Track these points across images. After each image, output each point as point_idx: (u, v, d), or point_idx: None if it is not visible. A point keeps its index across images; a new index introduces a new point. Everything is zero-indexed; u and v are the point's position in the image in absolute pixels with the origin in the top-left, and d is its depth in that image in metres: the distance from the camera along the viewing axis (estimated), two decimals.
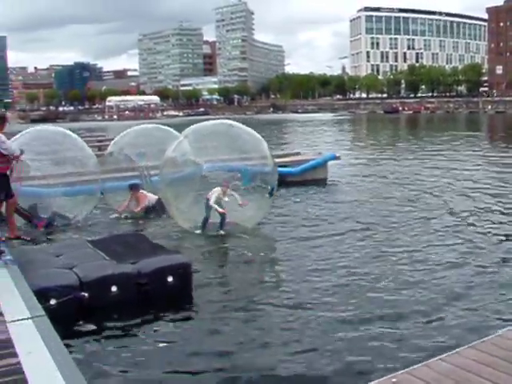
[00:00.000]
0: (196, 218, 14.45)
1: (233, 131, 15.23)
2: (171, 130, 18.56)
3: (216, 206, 14.00)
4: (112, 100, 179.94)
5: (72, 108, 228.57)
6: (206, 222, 14.33)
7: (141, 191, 16.65)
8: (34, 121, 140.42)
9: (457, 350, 5.78)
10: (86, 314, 8.49)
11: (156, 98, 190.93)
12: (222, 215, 14.13)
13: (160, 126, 19.56)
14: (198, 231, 14.24)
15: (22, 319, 5.20)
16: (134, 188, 16.63)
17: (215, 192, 14.12)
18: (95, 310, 8.60)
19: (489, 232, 13.61)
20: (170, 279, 9.34)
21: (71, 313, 8.35)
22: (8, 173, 10.68)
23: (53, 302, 8.17)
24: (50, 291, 8.26)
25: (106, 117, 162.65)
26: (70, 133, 16.57)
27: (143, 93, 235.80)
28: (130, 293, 9.03)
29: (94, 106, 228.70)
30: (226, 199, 14.21)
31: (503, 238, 13.02)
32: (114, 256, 9.88)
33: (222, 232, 14.07)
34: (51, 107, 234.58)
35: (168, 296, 9.22)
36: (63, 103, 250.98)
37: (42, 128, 17.50)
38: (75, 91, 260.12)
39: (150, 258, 9.82)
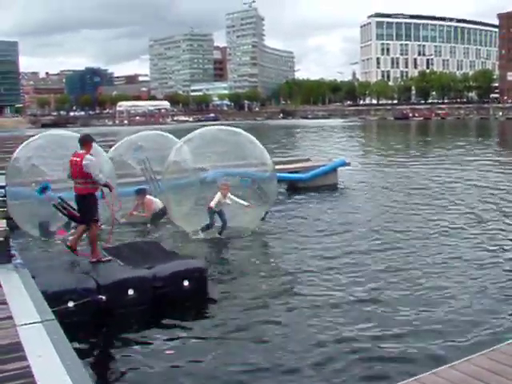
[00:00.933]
0: (197, 222, 14.55)
1: (233, 137, 15.48)
2: (172, 136, 18.47)
3: (238, 200, 14.38)
4: (123, 105, 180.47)
5: (83, 113, 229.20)
6: (208, 228, 14.42)
7: (147, 196, 16.60)
8: (45, 125, 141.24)
9: (467, 357, 5.75)
10: (102, 317, 8.57)
11: (166, 104, 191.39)
12: (224, 221, 14.37)
13: (161, 133, 19.51)
14: (199, 236, 14.32)
15: (32, 323, 5.21)
16: (140, 193, 16.49)
17: (216, 197, 14.29)
18: (112, 313, 8.68)
19: None
20: (185, 283, 9.46)
21: (88, 315, 8.44)
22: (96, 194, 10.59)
23: (71, 304, 8.26)
24: (67, 294, 8.38)
25: (117, 122, 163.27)
26: None
27: (154, 98, 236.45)
28: (146, 296, 9.14)
29: (105, 111, 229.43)
30: (228, 201, 14.39)
31: None
32: (129, 262, 10.01)
33: (221, 236, 14.23)
34: (62, 112, 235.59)
35: (184, 300, 9.31)
36: (74, 108, 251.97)
37: (55, 133, 17.58)
38: (86, 96, 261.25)
39: (166, 263, 9.95)
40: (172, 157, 14.99)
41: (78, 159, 10.22)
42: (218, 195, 14.28)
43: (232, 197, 14.43)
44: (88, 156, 10.30)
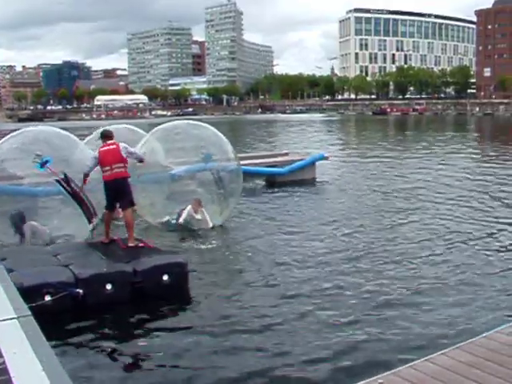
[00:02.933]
0: (163, 214, 14.72)
1: (198, 132, 15.56)
2: (140, 130, 18.06)
3: (207, 217, 14.49)
4: (100, 99, 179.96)
5: (60, 107, 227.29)
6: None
7: None
8: (22, 120, 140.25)
9: (443, 351, 5.80)
10: (80, 312, 8.53)
11: (144, 98, 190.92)
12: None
13: (130, 127, 18.84)
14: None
15: (7, 319, 5.15)
16: None
17: (187, 210, 14.40)
18: (89, 307, 8.64)
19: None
20: (165, 278, 9.44)
21: (66, 310, 8.40)
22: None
23: (48, 298, 8.20)
24: (45, 287, 8.31)
25: (94, 116, 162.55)
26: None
27: (132, 92, 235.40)
28: (125, 291, 9.09)
29: (83, 106, 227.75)
30: (198, 217, 14.43)
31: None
32: (111, 256, 10.03)
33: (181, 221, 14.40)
34: (39, 106, 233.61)
35: (163, 294, 9.30)
36: (51, 102, 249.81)
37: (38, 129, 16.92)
38: (63, 90, 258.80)
39: (146, 257, 9.99)
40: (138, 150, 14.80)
41: (114, 147, 11.32)
42: (189, 209, 14.37)
43: (204, 212, 14.53)
44: (123, 143, 11.56)
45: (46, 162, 11.59)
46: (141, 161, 12.10)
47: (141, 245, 10.94)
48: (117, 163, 11.16)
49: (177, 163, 15.37)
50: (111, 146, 11.33)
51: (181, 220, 14.30)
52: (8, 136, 13.21)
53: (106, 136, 11.63)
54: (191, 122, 16.87)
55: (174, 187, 15.27)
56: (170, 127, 15.77)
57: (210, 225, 14.55)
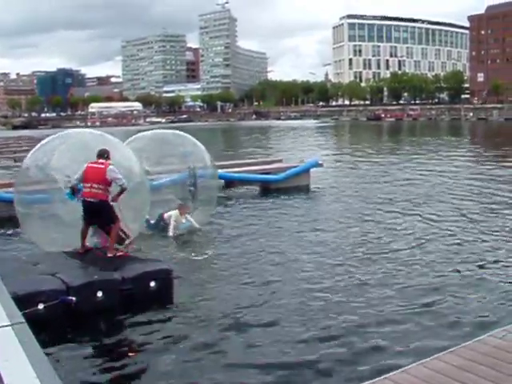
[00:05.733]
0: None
1: (176, 140, 16.02)
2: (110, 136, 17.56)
3: (193, 221, 14.82)
4: (94, 106, 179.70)
5: (54, 114, 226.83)
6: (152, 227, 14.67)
7: None
8: (16, 127, 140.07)
9: (436, 355, 5.82)
10: (72, 319, 8.55)
11: (138, 105, 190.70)
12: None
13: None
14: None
15: (1, 326, 5.16)
16: None
17: (173, 215, 14.56)
18: (81, 314, 8.65)
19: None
20: (152, 284, 9.57)
21: (58, 317, 8.41)
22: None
23: (40, 306, 8.21)
24: (37, 296, 8.31)
25: (89, 123, 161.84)
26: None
27: (126, 99, 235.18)
28: (115, 298, 9.17)
29: (77, 113, 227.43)
30: (184, 221, 14.69)
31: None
32: (94, 264, 10.09)
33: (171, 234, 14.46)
34: (33, 113, 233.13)
35: (151, 300, 9.40)
36: (45, 109, 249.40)
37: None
38: (57, 97, 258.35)
39: (132, 264, 10.08)
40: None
41: (102, 166, 10.96)
42: (176, 214, 14.56)
43: (189, 217, 14.78)
44: (111, 166, 11.04)
45: (79, 190, 11.39)
46: (122, 190, 11.09)
47: (119, 254, 10.92)
48: (97, 183, 10.90)
49: (156, 172, 15.62)
50: (99, 165, 11.04)
51: (170, 233, 14.38)
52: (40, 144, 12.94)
53: (99, 155, 11.27)
54: (168, 130, 17.54)
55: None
56: (145, 135, 16.03)
57: (197, 225, 14.87)
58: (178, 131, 16.78)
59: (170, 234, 14.38)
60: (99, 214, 11.00)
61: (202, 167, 15.82)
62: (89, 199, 10.92)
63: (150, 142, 15.92)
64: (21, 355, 4.46)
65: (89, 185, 10.92)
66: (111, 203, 11.06)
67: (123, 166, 11.77)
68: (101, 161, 11.14)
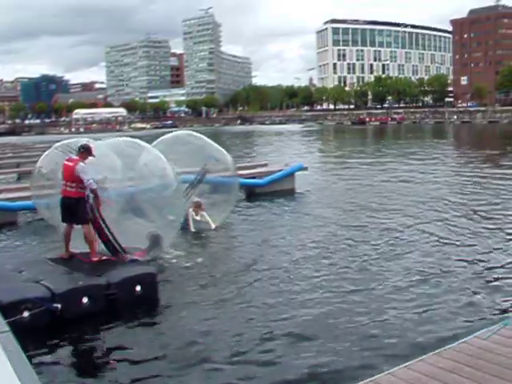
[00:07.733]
0: None
1: (198, 142, 16.40)
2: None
3: (208, 218, 15.19)
4: (79, 113, 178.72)
5: (38, 121, 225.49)
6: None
7: None
8: (0, 134, 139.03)
9: (422, 357, 5.83)
10: (57, 326, 8.50)
11: (123, 111, 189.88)
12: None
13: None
14: None
15: None
16: None
17: (189, 217, 14.90)
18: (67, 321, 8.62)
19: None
20: (138, 288, 9.57)
21: (44, 325, 8.38)
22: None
23: (26, 314, 8.16)
24: (22, 303, 8.26)
25: (73, 130, 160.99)
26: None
27: (110, 105, 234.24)
28: (100, 303, 9.15)
29: (61, 119, 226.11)
30: (198, 218, 15.05)
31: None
32: (79, 270, 9.99)
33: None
34: (17, 120, 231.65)
35: (136, 304, 9.42)
36: (29, 116, 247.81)
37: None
38: (41, 104, 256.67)
39: (117, 269, 10.04)
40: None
41: (71, 164, 10.93)
42: (191, 213, 14.90)
43: (204, 214, 15.16)
44: (81, 163, 10.92)
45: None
46: (91, 191, 10.81)
47: (104, 258, 10.91)
48: (69, 181, 10.90)
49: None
50: (70, 163, 11.01)
51: (192, 229, 14.83)
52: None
53: (78, 150, 11.31)
54: (192, 132, 17.61)
55: None
56: (169, 137, 16.21)
57: (213, 226, 15.17)
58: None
59: (192, 229, 14.81)
60: (74, 212, 10.94)
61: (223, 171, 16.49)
62: (63, 196, 11.02)
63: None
64: (5, 364, 4.43)
65: (63, 182, 10.99)
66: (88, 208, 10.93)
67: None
68: (75, 158, 11.16)
